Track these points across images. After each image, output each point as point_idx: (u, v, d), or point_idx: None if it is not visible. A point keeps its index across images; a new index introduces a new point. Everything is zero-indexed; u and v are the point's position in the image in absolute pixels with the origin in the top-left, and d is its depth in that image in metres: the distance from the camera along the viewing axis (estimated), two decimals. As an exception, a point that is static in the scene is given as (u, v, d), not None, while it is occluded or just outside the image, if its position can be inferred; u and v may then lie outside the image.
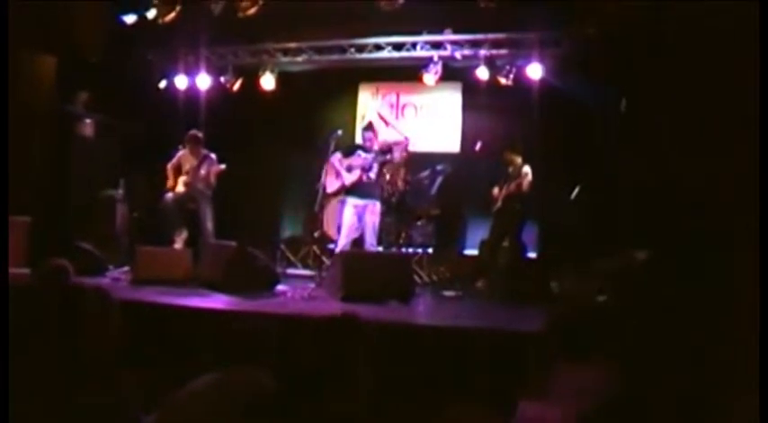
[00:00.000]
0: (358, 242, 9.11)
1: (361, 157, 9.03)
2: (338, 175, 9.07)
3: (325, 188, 9.14)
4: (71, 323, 3.39)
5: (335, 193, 9.15)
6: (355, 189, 9.04)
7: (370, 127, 9.47)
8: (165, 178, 9.68)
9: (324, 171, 9.32)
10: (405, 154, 9.44)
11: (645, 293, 7.22)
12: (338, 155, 9.19)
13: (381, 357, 5.33)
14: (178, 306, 6.58)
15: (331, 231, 9.91)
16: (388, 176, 9.89)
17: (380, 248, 9.70)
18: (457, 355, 5.50)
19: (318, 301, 7.51)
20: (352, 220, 8.99)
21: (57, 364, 3.59)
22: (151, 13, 9.39)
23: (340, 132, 9.34)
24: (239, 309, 6.64)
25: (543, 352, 5.38)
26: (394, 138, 9.98)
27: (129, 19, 9.67)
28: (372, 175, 8.99)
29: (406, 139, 9.66)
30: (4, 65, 7.99)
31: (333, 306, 7.15)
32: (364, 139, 9.35)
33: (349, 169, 9.00)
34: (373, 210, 9.04)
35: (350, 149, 9.29)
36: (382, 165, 9.16)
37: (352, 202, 9.04)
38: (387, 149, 9.15)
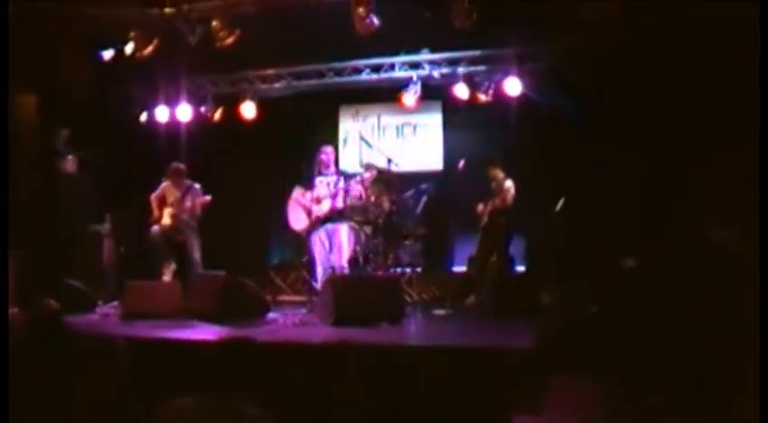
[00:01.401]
0: (333, 268, 9.15)
1: (325, 186, 9.12)
2: (308, 211, 9.09)
3: (291, 227, 9.19)
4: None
5: (307, 229, 9.14)
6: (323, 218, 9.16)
7: (327, 150, 9.58)
8: (150, 210, 9.68)
9: (289, 215, 9.44)
10: (374, 173, 9.46)
11: (635, 302, 7.26)
12: (299, 190, 9.24)
13: (374, 381, 5.37)
14: (170, 339, 6.57)
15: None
16: (373, 198, 9.90)
17: (360, 269, 9.72)
18: (450, 374, 5.51)
19: (310, 327, 7.52)
20: (321, 249, 9.07)
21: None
22: (129, 48, 9.38)
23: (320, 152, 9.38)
24: (231, 338, 6.62)
25: (536, 366, 5.42)
26: (377, 160, 10.07)
27: (107, 54, 9.67)
28: (339, 201, 9.05)
29: (389, 161, 9.74)
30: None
31: (324, 331, 7.17)
32: (321, 152, 9.44)
33: (318, 201, 9.06)
34: (340, 231, 9.14)
35: (307, 180, 9.31)
36: (346, 190, 9.19)
37: (317, 234, 9.16)
38: (348, 176, 9.22)
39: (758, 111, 5.17)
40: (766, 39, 5.23)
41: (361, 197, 9.45)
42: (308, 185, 9.13)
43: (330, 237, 9.03)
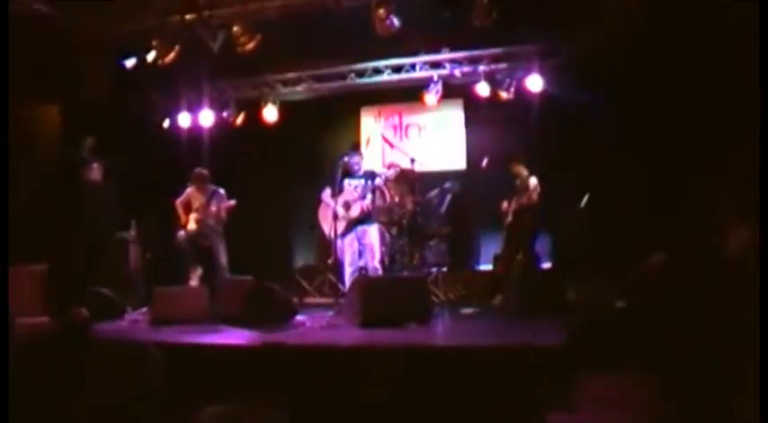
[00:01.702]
0: (363, 268, 9.13)
1: (352, 190, 9.08)
2: (338, 217, 9.03)
3: (325, 233, 9.19)
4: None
5: (337, 232, 9.12)
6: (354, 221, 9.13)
7: (356, 149, 9.54)
8: (176, 216, 9.73)
9: (320, 215, 9.46)
10: (397, 170, 9.45)
11: (664, 297, 7.21)
12: (327, 193, 9.23)
13: (404, 383, 5.37)
14: (200, 344, 6.59)
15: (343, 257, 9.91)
16: (397, 199, 9.92)
17: (391, 270, 9.72)
18: (481, 374, 5.50)
19: (338, 329, 7.51)
20: (354, 247, 9.05)
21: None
22: (151, 56, 9.43)
23: (347, 159, 9.35)
24: (260, 343, 6.64)
25: (567, 363, 5.39)
26: (400, 160, 10.08)
27: (130, 63, 9.72)
28: (368, 202, 9.03)
29: (412, 161, 9.75)
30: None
31: (353, 333, 7.17)
32: (351, 163, 9.30)
33: (347, 207, 9.04)
34: (371, 233, 9.11)
35: (336, 183, 9.21)
36: (374, 189, 9.17)
37: (348, 237, 9.14)
38: (371, 174, 9.20)
39: (758, 110, 5.14)
40: (766, 38, 5.20)
41: (385, 197, 9.44)
42: (337, 189, 9.07)
43: (360, 239, 9.03)
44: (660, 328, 6.50)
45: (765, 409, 3.78)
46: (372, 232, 9.17)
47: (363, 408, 5.14)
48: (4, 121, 7.56)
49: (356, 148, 9.64)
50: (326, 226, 9.32)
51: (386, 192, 9.37)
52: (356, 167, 9.25)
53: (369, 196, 9.00)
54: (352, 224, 9.04)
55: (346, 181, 9.18)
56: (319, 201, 9.45)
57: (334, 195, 9.06)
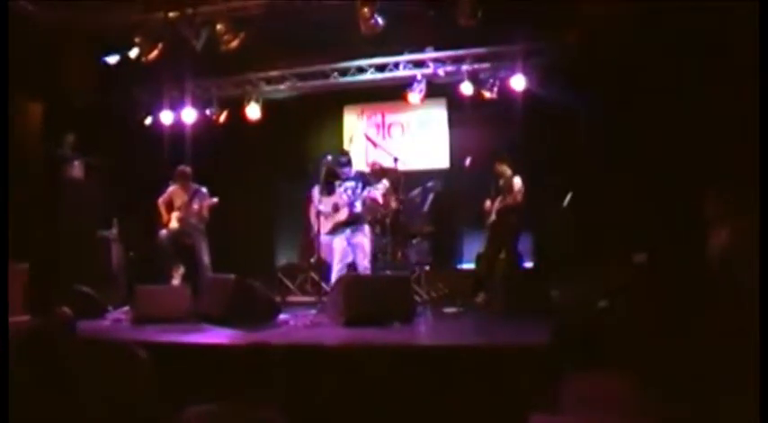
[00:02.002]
0: (352, 266, 9.10)
1: (343, 194, 9.01)
2: (326, 217, 9.01)
3: (318, 232, 9.14)
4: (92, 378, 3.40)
5: (327, 232, 9.10)
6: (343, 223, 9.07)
7: (344, 162, 9.30)
8: (158, 215, 9.69)
9: (309, 214, 9.44)
10: (386, 185, 9.39)
11: (647, 296, 7.25)
12: (316, 194, 9.18)
13: (389, 382, 5.37)
14: (183, 343, 6.56)
15: (326, 257, 9.87)
16: (390, 200, 9.92)
17: (376, 269, 9.71)
18: (464, 374, 5.50)
19: (322, 328, 7.48)
20: (342, 246, 9.00)
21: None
22: (134, 53, 9.39)
23: (330, 157, 9.33)
24: (244, 342, 6.62)
25: (550, 363, 5.41)
26: (383, 159, 10.08)
27: (112, 59, 9.68)
28: (358, 207, 8.98)
29: (395, 160, 9.73)
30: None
31: (336, 332, 7.16)
32: (340, 173, 9.22)
33: (336, 209, 8.97)
34: (361, 232, 9.03)
35: (328, 184, 9.17)
36: (366, 200, 9.13)
37: (338, 237, 9.06)
38: (366, 182, 9.10)
39: (758, 110, 5.17)
40: (766, 38, 5.24)
41: (377, 203, 9.40)
42: (324, 189, 9.06)
43: (350, 239, 8.96)
44: (643, 327, 6.54)
45: (765, 409, 3.80)
46: (363, 233, 9.08)
47: (348, 407, 5.14)
48: (3, 121, 7.53)
49: (344, 153, 9.53)
50: (316, 225, 9.29)
51: (380, 201, 9.32)
52: (346, 172, 9.17)
53: (359, 202, 8.94)
54: (341, 225, 8.98)
55: (338, 183, 9.12)
56: (309, 199, 9.41)
57: (322, 194, 9.03)
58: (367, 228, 9.17)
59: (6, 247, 7.14)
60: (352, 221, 8.96)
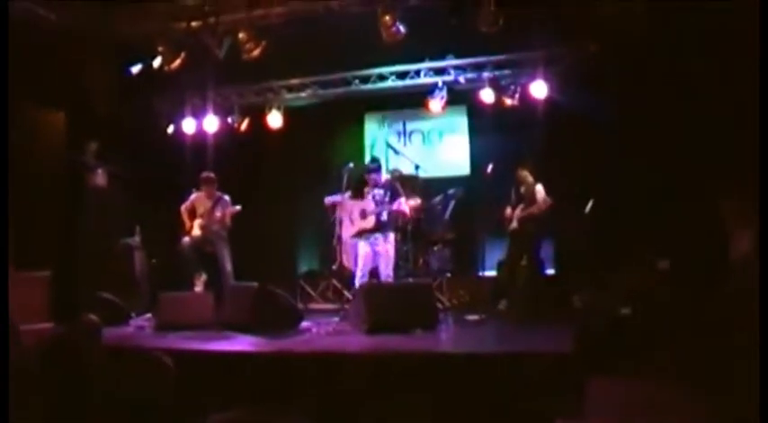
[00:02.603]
0: (374, 273, 9.09)
1: (372, 202, 9.00)
2: (352, 221, 9.04)
3: (341, 236, 9.21)
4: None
5: (352, 237, 9.10)
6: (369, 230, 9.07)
7: (374, 168, 9.32)
8: (181, 222, 9.73)
9: (337, 217, 9.44)
10: (418, 202, 9.33)
11: (669, 303, 7.24)
12: (347, 198, 9.20)
13: (412, 389, 5.38)
14: (206, 351, 6.59)
15: (349, 263, 9.87)
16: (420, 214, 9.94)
17: (399, 277, 9.72)
18: (488, 381, 5.50)
19: (345, 336, 7.50)
20: (366, 252, 8.99)
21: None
22: (156, 62, 9.45)
23: (352, 165, 9.36)
24: (267, 349, 6.65)
25: (573, 369, 5.40)
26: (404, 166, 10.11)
27: (135, 69, 9.74)
28: (385, 216, 8.96)
29: (416, 168, 9.75)
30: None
31: (359, 339, 7.16)
32: (369, 177, 9.22)
33: (363, 215, 8.97)
34: (386, 240, 9.00)
35: (358, 189, 9.25)
36: (393, 212, 9.09)
37: (363, 243, 9.06)
38: (395, 192, 9.05)
39: (758, 111, 5.15)
40: (766, 38, 5.21)
41: (405, 216, 9.37)
42: (357, 196, 9.11)
43: (374, 247, 8.96)
44: (665, 333, 6.52)
45: (765, 409, 3.79)
46: (388, 241, 9.05)
47: (371, 414, 5.15)
48: (3, 123, 7.57)
49: (375, 162, 9.53)
50: (345, 232, 9.30)
51: (407, 213, 9.27)
52: (376, 181, 9.16)
53: (386, 212, 8.93)
54: (367, 232, 8.98)
55: (367, 189, 9.15)
56: (332, 204, 9.42)
57: (352, 198, 9.05)
58: (392, 236, 9.15)
59: (6, 248, 7.16)
60: (379, 229, 8.95)
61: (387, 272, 8.92)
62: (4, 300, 5.82)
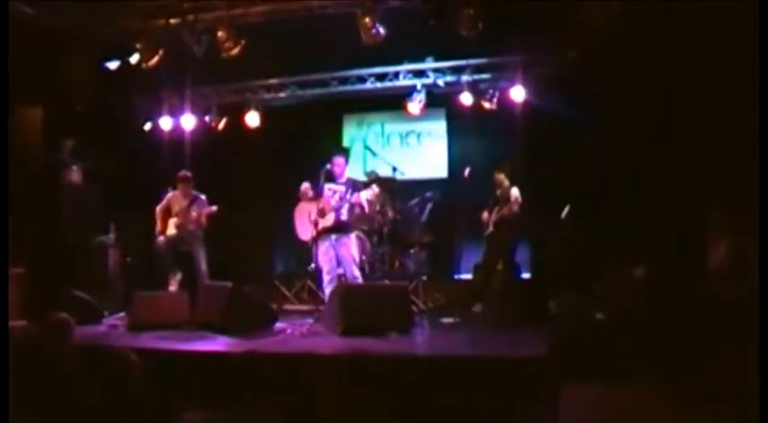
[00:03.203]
0: (343, 275, 9.03)
1: (330, 196, 8.82)
2: (315, 222, 8.73)
3: (299, 236, 9.10)
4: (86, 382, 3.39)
5: (312, 238, 8.90)
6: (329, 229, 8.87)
7: (342, 152, 9.24)
8: (155, 222, 9.66)
9: (295, 215, 9.29)
10: (376, 190, 9.26)
11: (644, 309, 7.26)
12: (306, 186, 8.98)
13: (385, 392, 5.36)
14: (179, 351, 6.56)
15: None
16: (377, 207, 9.88)
17: (374, 279, 9.70)
18: (462, 385, 5.50)
19: (318, 337, 7.48)
20: (329, 257, 8.86)
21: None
22: (134, 58, 9.37)
23: (329, 166, 9.31)
24: (241, 350, 6.61)
25: (548, 374, 5.41)
26: (382, 168, 10.09)
27: (113, 65, 9.65)
28: (344, 214, 8.80)
29: (394, 170, 9.74)
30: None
31: (334, 341, 7.14)
32: (333, 163, 8.94)
33: (321, 214, 8.74)
34: (346, 242, 8.85)
35: (317, 186, 8.93)
36: (352, 205, 8.97)
37: (323, 244, 8.85)
38: (356, 188, 8.85)
39: (758, 112, 5.17)
40: (766, 39, 5.24)
41: (363, 209, 9.31)
42: (316, 194, 8.91)
43: (336, 248, 8.81)
44: (641, 339, 6.54)
45: (765, 409, 3.80)
46: (348, 242, 8.90)
47: (344, 416, 5.12)
48: (3, 125, 7.54)
49: (343, 152, 9.46)
50: (300, 227, 9.19)
51: (365, 206, 9.17)
52: (338, 171, 8.93)
53: (346, 207, 8.81)
54: (327, 232, 8.85)
55: (327, 185, 8.90)
56: (298, 199, 9.20)
57: (314, 199, 8.91)
58: (353, 236, 9.09)
59: (6, 251, 7.12)
60: (338, 228, 8.81)
61: (352, 273, 8.80)
62: (3, 300, 5.79)
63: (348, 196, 8.69)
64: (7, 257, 7.09)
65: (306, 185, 8.98)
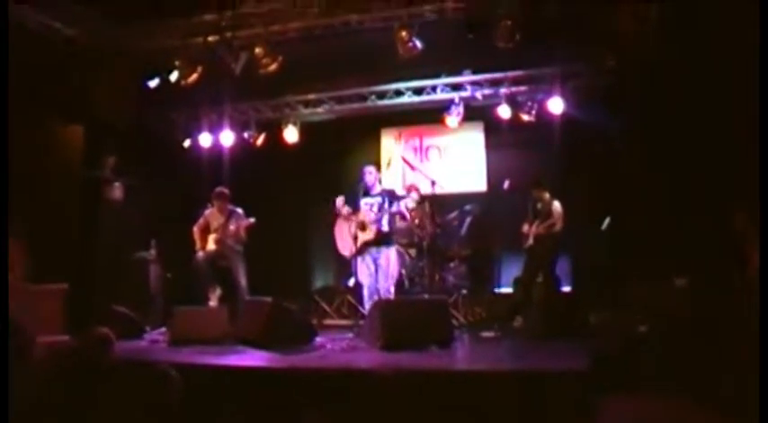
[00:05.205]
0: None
1: (368, 210, 8.85)
2: (354, 236, 8.78)
3: (338, 250, 9.09)
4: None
5: (353, 254, 8.91)
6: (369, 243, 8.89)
7: (373, 175, 9.10)
8: (194, 241, 9.71)
9: (335, 231, 9.29)
10: (417, 197, 9.25)
11: (687, 320, 7.15)
12: (341, 201, 8.94)
13: (427, 407, 5.32)
14: (219, 366, 6.56)
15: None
16: (417, 221, 9.88)
17: (414, 293, 9.68)
18: (501, 399, 5.44)
19: (359, 352, 7.44)
20: (370, 272, 8.85)
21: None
22: (173, 76, 9.47)
23: (362, 178, 9.29)
24: (281, 365, 6.60)
25: (590, 388, 5.33)
26: (420, 182, 10.07)
27: (153, 83, 9.75)
28: (385, 225, 8.82)
29: (433, 184, 9.71)
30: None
31: (373, 356, 7.11)
32: (365, 173, 9.00)
33: (362, 227, 8.79)
34: (387, 255, 8.86)
35: (354, 200, 8.96)
36: (394, 214, 8.97)
37: (363, 258, 8.89)
38: (393, 197, 8.93)
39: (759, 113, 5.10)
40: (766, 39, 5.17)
41: (405, 219, 9.31)
42: (353, 208, 8.92)
43: (376, 261, 8.80)
44: (683, 352, 6.44)
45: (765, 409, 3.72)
46: (389, 255, 8.91)
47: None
48: (3, 128, 7.61)
49: (372, 162, 9.47)
50: (341, 243, 9.20)
51: (406, 215, 9.20)
52: (371, 183, 8.97)
53: (386, 218, 8.82)
54: (368, 245, 8.85)
55: (363, 200, 8.95)
56: (335, 215, 9.19)
57: (353, 214, 8.92)
58: (394, 250, 9.09)
59: (6, 250, 7.17)
60: (379, 241, 8.83)
61: (386, 286, 8.80)
62: (3, 301, 5.83)
63: (386, 206, 8.71)
64: (8, 259, 7.13)
65: (340, 201, 8.94)
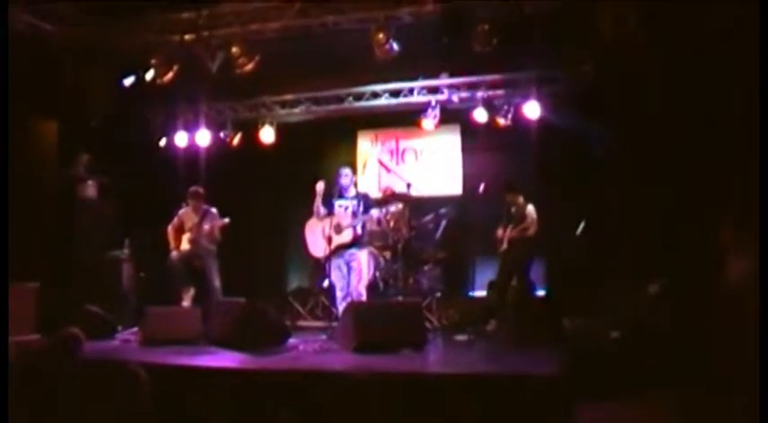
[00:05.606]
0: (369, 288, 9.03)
1: (343, 211, 8.85)
2: (328, 238, 8.68)
3: (330, 255, 8.85)
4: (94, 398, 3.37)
5: (327, 255, 8.85)
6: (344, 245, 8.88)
7: (349, 178, 9.11)
8: (168, 241, 9.66)
9: (306, 233, 9.29)
10: (399, 207, 9.24)
11: (659, 326, 7.20)
12: (322, 210, 8.92)
13: (398, 410, 5.31)
14: (190, 366, 6.53)
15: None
16: (392, 223, 9.88)
17: (388, 296, 9.67)
18: (474, 402, 5.44)
19: (331, 354, 7.42)
20: (343, 273, 8.87)
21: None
22: (149, 74, 9.42)
23: (337, 176, 9.26)
24: (253, 367, 6.58)
25: (562, 393, 5.35)
26: (396, 184, 10.05)
27: (128, 81, 9.70)
28: (359, 229, 8.85)
29: (408, 186, 9.71)
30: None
31: (347, 358, 7.09)
32: (340, 175, 9.01)
33: (338, 230, 8.75)
34: (359, 257, 8.90)
35: (326, 204, 8.93)
36: (374, 220, 8.97)
37: (336, 260, 8.88)
38: (368, 201, 8.98)
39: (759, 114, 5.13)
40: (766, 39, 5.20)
41: (380, 223, 9.30)
42: (328, 209, 8.92)
43: (348, 263, 8.82)
44: (656, 358, 6.48)
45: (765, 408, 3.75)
46: (361, 257, 8.95)
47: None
48: (4, 132, 7.56)
49: (348, 164, 9.46)
50: (312, 244, 9.18)
51: (382, 218, 9.20)
52: (346, 185, 8.98)
53: (361, 221, 8.85)
54: (342, 248, 8.84)
55: (337, 202, 8.95)
56: (310, 214, 9.15)
57: (327, 216, 8.89)
58: (366, 252, 9.13)
59: (6, 251, 7.11)
60: (354, 244, 8.84)
61: (359, 288, 8.81)
62: (3, 302, 5.79)
63: (361, 210, 8.71)
64: (7, 260, 7.07)
65: (320, 186, 8.92)
